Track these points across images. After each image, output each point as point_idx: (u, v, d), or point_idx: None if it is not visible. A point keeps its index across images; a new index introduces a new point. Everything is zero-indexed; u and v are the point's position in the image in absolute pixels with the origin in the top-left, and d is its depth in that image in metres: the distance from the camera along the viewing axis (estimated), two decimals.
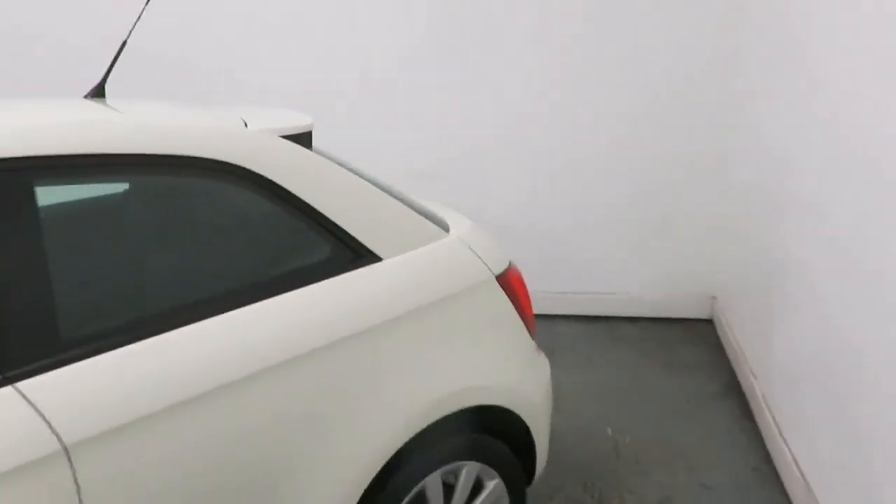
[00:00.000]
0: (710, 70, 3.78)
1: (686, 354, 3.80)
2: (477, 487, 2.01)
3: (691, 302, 4.23)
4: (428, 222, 1.96)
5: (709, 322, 4.20)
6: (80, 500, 1.26)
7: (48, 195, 1.38)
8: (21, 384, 1.27)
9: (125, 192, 1.62)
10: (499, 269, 2.06)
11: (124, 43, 1.99)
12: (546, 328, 3.99)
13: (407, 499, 1.81)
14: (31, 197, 1.35)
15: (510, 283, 2.09)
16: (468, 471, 1.94)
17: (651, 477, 2.76)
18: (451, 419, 1.85)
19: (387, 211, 1.86)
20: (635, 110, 3.90)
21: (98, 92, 1.95)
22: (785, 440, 2.72)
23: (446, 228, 2.03)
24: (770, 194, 3.12)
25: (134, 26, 2.03)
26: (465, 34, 3.88)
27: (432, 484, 1.87)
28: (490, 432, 2.01)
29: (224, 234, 1.68)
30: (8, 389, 1.26)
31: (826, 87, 2.47)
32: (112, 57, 1.99)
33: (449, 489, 1.95)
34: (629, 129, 3.94)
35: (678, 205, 4.05)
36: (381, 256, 1.80)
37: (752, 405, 3.20)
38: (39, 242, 1.34)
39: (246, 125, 1.72)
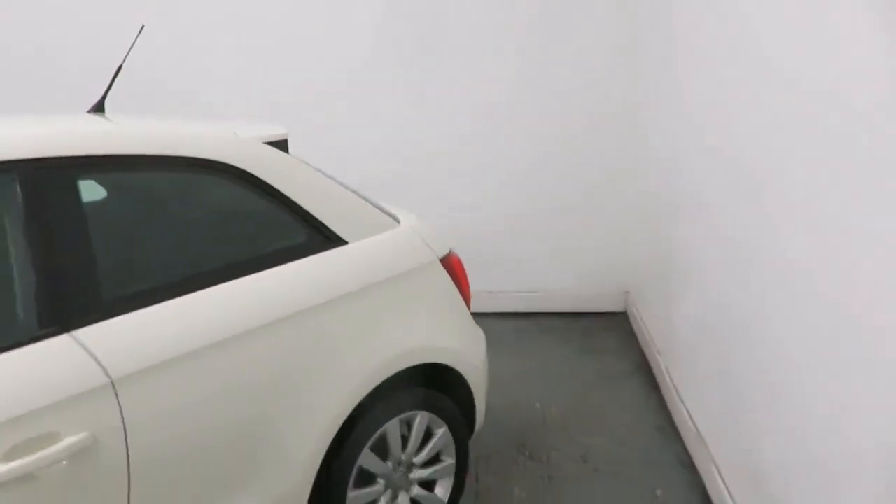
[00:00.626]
0: (613, 96, 4.33)
1: (603, 342, 4.30)
2: (428, 435, 2.40)
3: (607, 297, 4.74)
4: (384, 214, 2.37)
5: (623, 314, 4.72)
6: (122, 419, 1.61)
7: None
8: (75, 332, 1.61)
9: (145, 186, 1.97)
10: (442, 254, 2.48)
11: (120, 67, 2.34)
12: (479, 324, 4.41)
13: (370, 441, 2.20)
14: (76, 193, 1.70)
15: (452, 265, 2.51)
16: (420, 419, 2.34)
17: (574, 438, 3.21)
18: (404, 375, 2.25)
19: (350, 204, 2.27)
20: (556, 132, 4.41)
21: (98, 108, 2.29)
22: (683, 402, 3.22)
23: (398, 220, 2.44)
24: (668, 198, 3.65)
25: (129, 52, 2.38)
26: (413, 54, 4.32)
27: (392, 429, 2.26)
28: (438, 389, 2.41)
29: (221, 219, 2.06)
30: (66, 337, 1.60)
31: (699, 103, 3.01)
32: (109, 79, 2.33)
33: (405, 440, 2.34)
34: (551, 147, 4.45)
35: (594, 212, 4.57)
36: (347, 241, 2.20)
37: (658, 378, 3.71)
38: (84, 226, 1.69)
39: (236, 134, 2.10)
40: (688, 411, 3.12)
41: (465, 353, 2.47)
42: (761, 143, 2.29)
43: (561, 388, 3.71)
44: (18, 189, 1.64)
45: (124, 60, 2.34)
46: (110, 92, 2.34)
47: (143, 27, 2.43)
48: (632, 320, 4.55)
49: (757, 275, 2.38)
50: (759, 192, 2.32)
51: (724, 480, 2.62)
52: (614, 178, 4.49)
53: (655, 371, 3.79)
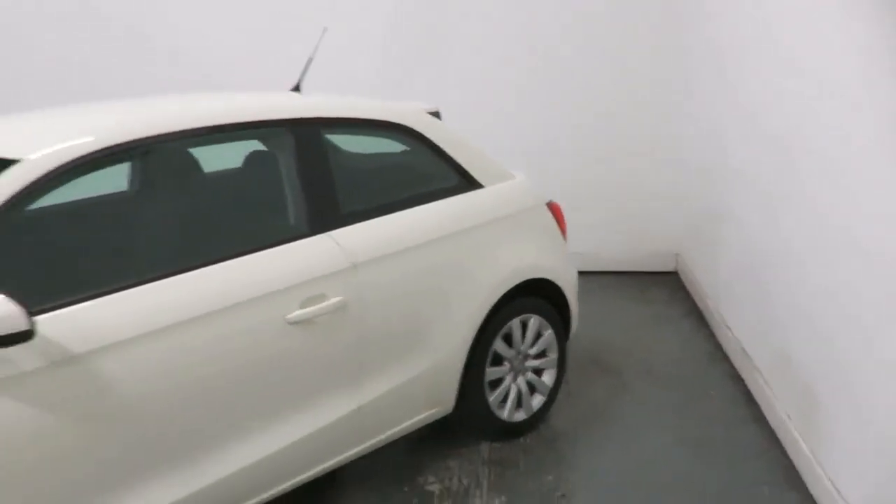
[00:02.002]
0: (659, 70, 5.06)
1: (656, 294, 5.04)
2: (538, 335, 3.19)
3: (658, 258, 5.47)
4: (505, 168, 3.17)
5: (673, 273, 5.45)
6: (360, 290, 2.42)
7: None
8: (329, 233, 2.44)
9: (357, 139, 2.78)
10: (546, 200, 3.27)
11: (310, 59, 3.16)
12: None
13: (501, 333, 2.99)
14: (322, 142, 2.53)
15: (553, 209, 3.30)
16: (534, 321, 3.13)
17: (638, 359, 3.96)
18: (522, 286, 3.04)
19: (484, 158, 3.06)
20: (609, 107, 5.15)
21: (295, 88, 3.12)
22: (730, 329, 3.96)
23: (513, 175, 3.23)
24: (710, 165, 4.39)
25: (316, 49, 3.20)
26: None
27: (514, 326, 3.05)
28: (545, 299, 3.20)
29: (400, 165, 2.87)
30: (325, 235, 2.42)
31: (741, 82, 3.75)
32: (302, 69, 3.16)
33: (523, 336, 3.13)
34: (604, 122, 5.18)
35: (644, 183, 5.30)
36: (483, 185, 3.00)
37: (707, 318, 4.45)
38: (329, 165, 2.51)
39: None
40: (734, 335, 3.87)
41: (564, 273, 3.25)
42: (786, 112, 3.04)
43: (622, 325, 4.46)
44: (291, 139, 2.47)
45: (313, 54, 3.17)
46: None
47: (325, 30, 3.26)
48: (682, 277, 5.28)
49: (785, 220, 3.12)
50: (786, 151, 3.06)
51: (765, 381, 3.36)
52: (661, 149, 5.21)
53: (705, 313, 4.53)
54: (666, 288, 5.17)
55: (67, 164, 1.98)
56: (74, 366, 1.87)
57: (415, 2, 5.11)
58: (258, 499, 2.33)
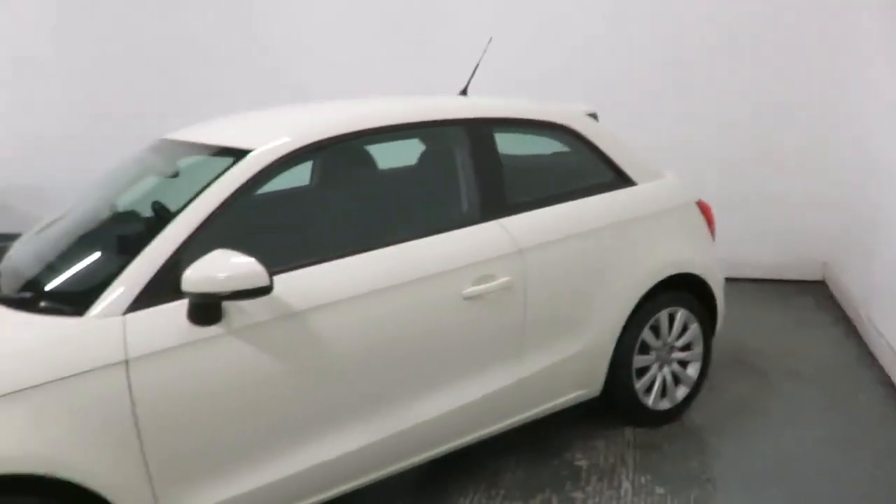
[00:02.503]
0: (808, 76, 5.00)
1: (802, 301, 4.98)
2: (684, 328, 3.32)
3: (804, 266, 5.38)
4: (657, 168, 3.33)
5: (820, 283, 5.34)
6: (525, 273, 2.68)
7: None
8: (498, 220, 2.71)
9: (519, 138, 3.05)
10: (696, 199, 3.40)
11: (478, 63, 3.46)
12: None
13: (649, 322, 3.15)
14: (493, 139, 2.80)
15: (702, 208, 3.42)
16: (681, 314, 3.26)
17: (784, 361, 3.97)
18: (672, 280, 3.18)
19: (637, 157, 3.24)
20: (753, 112, 5.16)
21: (463, 92, 3.42)
22: (883, 335, 3.90)
23: (664, 174, 3.38)
24: (864, 172, 4.32)
25: (482, 56, 3.50)
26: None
27: (662, 317, 3.20)
28: (692, 294, 3.32)
29: (560, 162, 3.11)
30: (494, 222, 2.69)
31: (889, 82, 3.70)
32: (469, 73, 3.46)
33: (669, 328, 3.27)
34: (755, 126, 5.19)
35: (792, 189, 5.23)
36: (637, 182, 3.18)
37: (858, 326, 4.37)
38: (498, 158, 2.78)
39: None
40: (887, 342, 3.81)
41: (712, 270, 3.36)
42: None
43: (766, 329, 4.46)
44: (466, 136, 2.77)
45: (479, 61, 3.47)
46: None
47: (490, 39, 3.55)
48: (830, 285, 5.18)
49: None
50: None
51: None
52: (810, 154, 5.13)
53: (855, 320, 4.45)
54: (811, 296, 5.10)
55: (291, 153, 2.37)
56: (294, 320, 2.24)
57: (564, 11, 5.32)
58: (427, 454, 2.63)
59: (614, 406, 3.24)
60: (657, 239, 3.15)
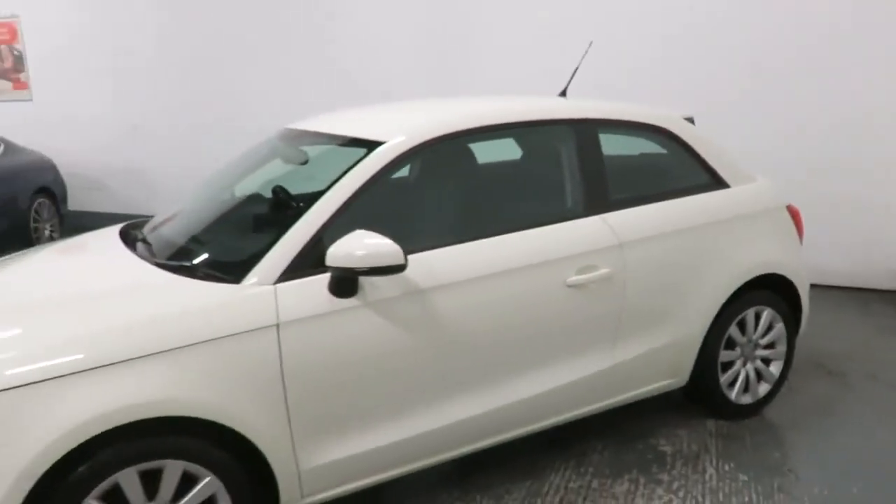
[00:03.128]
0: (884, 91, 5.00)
1: (882, 308, 4.99)
2: (769, 327, 3.43)
3: (884, 274, 5.37)
4: (750, 171, 3.46)
5: None
6: (624, 265, 2.85)
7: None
8: (600, 216, 2.89)
9: (619, 139, 3.22)
10: (786, 203, 3.51)
11: (576, 68, 3.64)
12: None
13: (736, 319, 3.29)
14: (597, 139, 2.99)
15: (792, 212, 3.53)
16: (767, 313, 3.38)
17: (863, 364, 4.04)
18: (760, 280, 3.31)
19: (731, 161, 3.37)
20: (834, 122, 5.19)
21: (562, 94, 3.61)
22: None
23: (756, 178, 3.50)
24: None
25: (581, 61, 3.68)
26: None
27: (749, 314, 3.33)
28: (778, 295, 3.44)
29: (658, 163, 3.27)
30: (597, 217, 2.88)
31: None
32: (568, 78, 3.64)
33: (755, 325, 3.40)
34: (841, 132, 5.21)
35: (875, 197, 5.23)
36: (730, 185, 3.32)
37: None
38: (602, 161, 2.96)
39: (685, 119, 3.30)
40: None
41: (799, 272, 3.47)
42: None
43: (845, 334, 4.51)
44: (573, 135, 2.96)
45: (579, 64, 3.65)
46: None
47: (591, 43, 3.73)
48: None
49: None
50: None
51: None
52: (892, 164, 5.13)
53: None
54: (892, 305, 5.11)
55: (419, 145, 2.61)
56: (418, 297, 2.47)
57: (664, 17, 5.44)
58: (525, 429, 2.84)
59: (698, 397, 3.39)
60: (748, 239, 3.28)
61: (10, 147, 6.80)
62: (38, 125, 7.95)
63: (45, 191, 7.00)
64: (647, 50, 5.52)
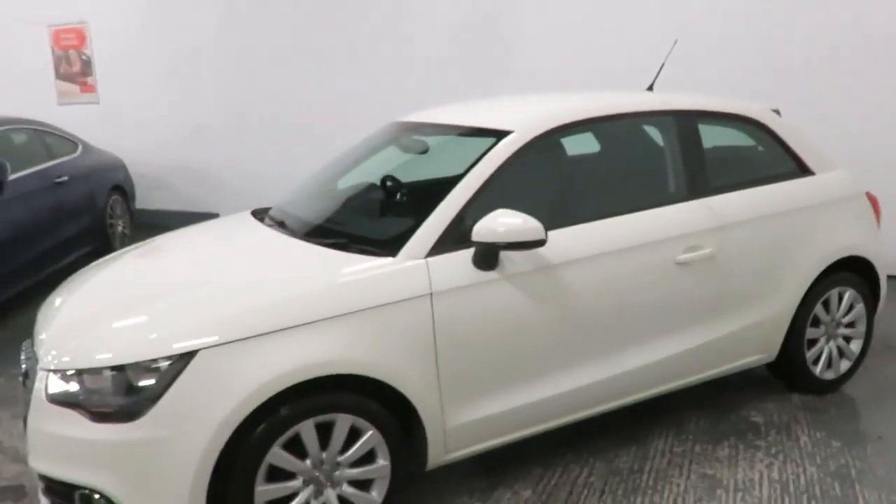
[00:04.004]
0: None
1: None
2: (850, 307, 3.64)
3: None
4: (831, 161, 3.67)
5: None
6: (724, 245, 3.08)
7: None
8: (702, 199, 3.12)
9: (711, 129, 3.44)
10: (865, 190, 3.72)
11: (662, 65, 3.87)
12: None
13: (821, 300, 3.50)
14: (697, 129, 3.21)
15: (871, 199, 3.73)
16: (849, 294, 3.59)
17: None
18: (843, 262, 3.51)
19: (816, 151, 3.58)
20: (867, 111, 5.34)
21: (649, 88, 3.84)
22: None
23: (837, 167, 3.71)
24: None
25: (667, 57, 3.90)
26: None
27: (832, 295, 3.54)
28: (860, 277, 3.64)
29: (751, 152, 3.50)
30: (697, 201, 3.10)
31: None
32: (654, 75, 3.87)
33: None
34: (863, 120, 5.36)
35: None
36: (815, 173, 3.53)
37: None
38: (702, 150, 3.19)
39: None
40: None
41: (878, 256, 3.67)
42: None
43: None
44: (675, 125, 3.19)
45: (665, 60, 3.88)
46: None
47: (675, 42, 3.96)
48: None
49: None
50: None
51: None
52: None
53: None
54: None
55: (545, 133, 2.87)
56: (549, 272, 2.71)
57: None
58: (632, 398, 3.07)
59: (784, 373, 3.60)
60: (833, 224, 3.49)
61: (86, 147, 7.12)
62: (104, 126, 8.28)
63: (118, 189, 7.31)
64: (727, 42, 5.62)
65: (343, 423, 2.42)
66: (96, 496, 2.27)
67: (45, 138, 6.44)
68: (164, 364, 2.22)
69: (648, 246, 2.93)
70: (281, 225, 3.08)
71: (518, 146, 2.80)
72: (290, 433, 2.34)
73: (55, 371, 2.31)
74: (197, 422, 2.21)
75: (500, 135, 2.86)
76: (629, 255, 2.89)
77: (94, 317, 2.52)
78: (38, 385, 2.35)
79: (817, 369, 3.58)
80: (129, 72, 8.29)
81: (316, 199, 3.28)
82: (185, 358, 2.22)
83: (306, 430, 2.36)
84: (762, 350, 3.41)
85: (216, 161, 8.12)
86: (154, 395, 2.21)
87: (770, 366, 3.56)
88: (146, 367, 2.22)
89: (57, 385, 2.30)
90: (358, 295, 2.44)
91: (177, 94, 8.13)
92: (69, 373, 2.29)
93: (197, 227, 3.47)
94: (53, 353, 2.38)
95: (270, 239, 2.95)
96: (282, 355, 2.29)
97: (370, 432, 2.46)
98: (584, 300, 2.80)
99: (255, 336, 2.28)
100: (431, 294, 2.51)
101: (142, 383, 2.22)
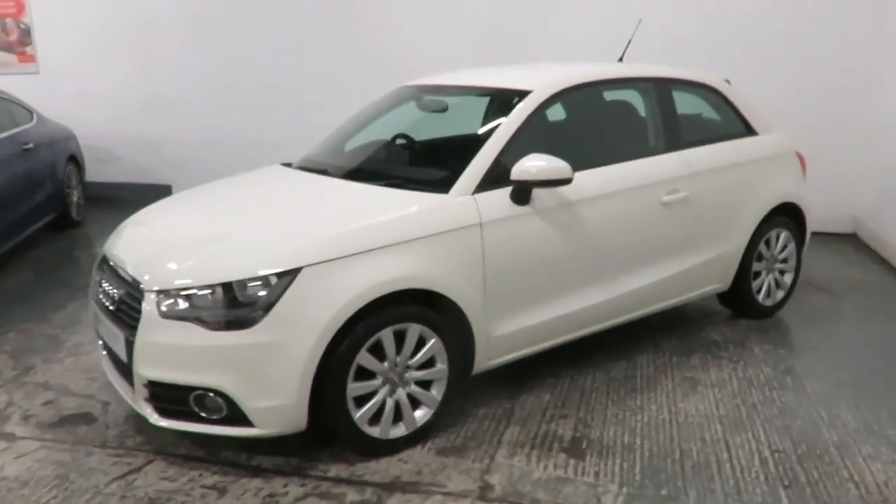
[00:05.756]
0: (847, 42, 6.05)
1: (842, 248, 6.09)
2: (785, 245, 4.38)
3: (835, 220, 6.42)
4: (770, 123, 4.40)
5: (851, 235, 6.45)
6: (693, 190, 3.73)
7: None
8: (679, 152, 3.75)
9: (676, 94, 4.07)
10: (795, 149, 4.47)
11: (632, 36, 4.49)
12: None
13: (764, 238, 4.22)
14: (672, 93, 3.84)
15: (799, 157, 4.50)
16: (784, 234, 4.33)
17: (838, 283, 5.09)
18: (781, 206, 4.25)
19: (760, 115, 4.30)
20: (792, 76, 6.20)
21: (620, 59, 4.45)
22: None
23: (774, 129, 4.44)
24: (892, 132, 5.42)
25: (632, 34, 4.52)
26: None
27: (773, 236, 4.27)
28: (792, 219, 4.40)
29: (707, 115, 4.16)
30: (675, 154, 3.74)
31: None
32: (622, 48, 4.48)
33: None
34: (788, 89, 6.21)
35: (828, 151, 6.25)
36: (758, 133, 4.24)
37: (881, 253, 5.49)
38: (676, 111, 3.82)
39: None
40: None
41: (807, 202, 4.44)
42: None
43: (822, 263, 5.54)
44: (654, 89, 3.81)
45: (631, 37, 4.50)
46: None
47: (640, 21, 4.58)
48: (861, 236, 6.29)
49: None
50: None
51: None
52: (844, 123, 6.17)
53: (891, 259, 5.57)
54: (850, 244, 6.20)
55: (562, 91, 3.43)
56: (569, 207, 3.26)
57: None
58: (633, 315, 3.70)
59: (732, 300, 4.31)
60: (773, 176, 4.22)
61: (40, 117, 7.08)
62: (48, 97, 8.15)
63: (72, 159, 7.31)
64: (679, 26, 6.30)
65: (413, 331, 2.87)
66: (210, 394, 2.64)
67: (7, 106, 6.41)
68: (275, 279, 2.61)
69: (641, 188, 3.54)
70: (324, 173, 3.48)
71: (539, 102, 3.33)
72: (373, 340, 2.78)
73: (170, 291, 2.65)
74: (304, 327, 2.62)
75: (521, 94, 3.37)
76: (627, 196, 3.48)
77: (199, 242, 2.88)
78: (148, 305, 2.68)
79: (760, 297, 4.31)
80: (77, 42, 8.19)
81: (357, 151, 3.73)
82: (293, 273, 2.62)
83: (386, 336, 2.81)
84: (720, 280, 4.10)
85: (169, 133, 8.17)
86: (267, 305, 2.60)
87: (721, 297, 4.26)
88: (261, 281, 2.61)
89: (172, 302, 2.65)
90: (423, 223, 2.90)
91: (130, 64, 8.10)
92: (188, 291, 2.64)
93: (242, 175, 3.79)
94: (164, 274, 2.72)
95: (329, 182, 3.36)
96: (369, 272, 2.73)
97: (433, 340, 2.93)
98: (595, 232, 3.37)
99: (346, 256, 2.70)
100: (481, 224, 3.00)
101: (259, 294, 2.60)
